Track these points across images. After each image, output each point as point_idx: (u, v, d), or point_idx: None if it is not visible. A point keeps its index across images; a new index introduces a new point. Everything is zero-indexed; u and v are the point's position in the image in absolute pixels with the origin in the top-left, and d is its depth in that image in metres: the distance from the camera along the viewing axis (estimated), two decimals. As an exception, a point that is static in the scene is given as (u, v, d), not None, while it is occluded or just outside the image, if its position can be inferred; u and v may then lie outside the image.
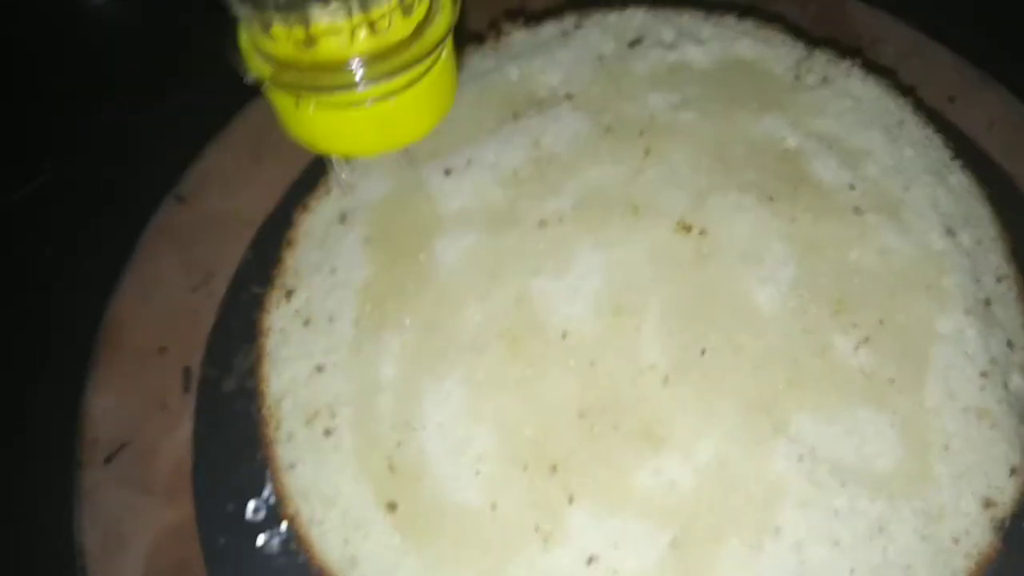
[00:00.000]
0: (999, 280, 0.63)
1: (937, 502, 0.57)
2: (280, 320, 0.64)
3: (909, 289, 0.61)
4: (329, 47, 0.50)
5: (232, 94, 0.83)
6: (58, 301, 0.82)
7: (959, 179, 0.66)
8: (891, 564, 0.55)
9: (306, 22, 0.49)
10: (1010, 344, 0.61)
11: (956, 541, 0.56)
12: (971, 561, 0.56)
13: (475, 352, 0.60)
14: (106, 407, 0.75)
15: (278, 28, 0.50)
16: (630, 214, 0.63)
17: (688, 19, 0.72)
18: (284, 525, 0.68)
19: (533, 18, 0.74)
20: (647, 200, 0.63)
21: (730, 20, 0.72)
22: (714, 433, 0.57)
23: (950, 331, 0.60)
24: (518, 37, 0.73)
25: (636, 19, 0.72)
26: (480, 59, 0.72)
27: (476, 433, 0.59)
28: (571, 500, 0.56)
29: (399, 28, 0.51)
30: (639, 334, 0.60)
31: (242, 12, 0.51)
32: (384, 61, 0.51)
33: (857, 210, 0.63)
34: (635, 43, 0.70)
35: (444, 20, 0.52)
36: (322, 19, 0.48)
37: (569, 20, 0.73)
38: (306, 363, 0.63)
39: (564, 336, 0.60)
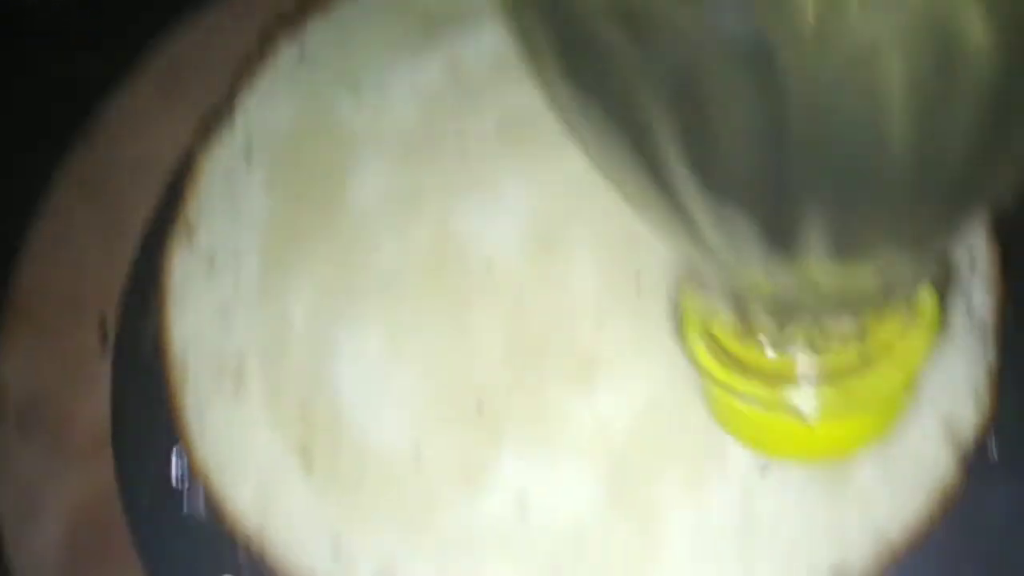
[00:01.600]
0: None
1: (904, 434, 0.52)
2: (183, 263, 0.60)
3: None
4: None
5: (138, 26, 0.78)
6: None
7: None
8: (848, 497, 0.51)
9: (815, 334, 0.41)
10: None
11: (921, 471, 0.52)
12: (932, 494, 0.52)
13: (394, 289, 0.56)
14: (19, 369, 0.71)
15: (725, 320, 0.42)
16: (558, 136, 0.57)
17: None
18: (207, 485, 0.64)
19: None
20: (576, 120, 0.58)
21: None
22: (652, 370, 0.54)
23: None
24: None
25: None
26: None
27: (396, 376, 0.55)
28: (499, 443, 0.52)
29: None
30: (570, 265, 0.56)
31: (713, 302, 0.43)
32: (835, 387, 0.44)
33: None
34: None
35: (920, 343, 0.44)
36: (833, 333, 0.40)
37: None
38: (211, 309, 0.58)
39: (489, 269, 0.56)
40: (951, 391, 0.54)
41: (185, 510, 0.63)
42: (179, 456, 0.65)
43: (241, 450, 0.55)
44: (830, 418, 0.46)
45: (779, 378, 0.44)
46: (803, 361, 0.43)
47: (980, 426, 0.54)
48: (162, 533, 0.63)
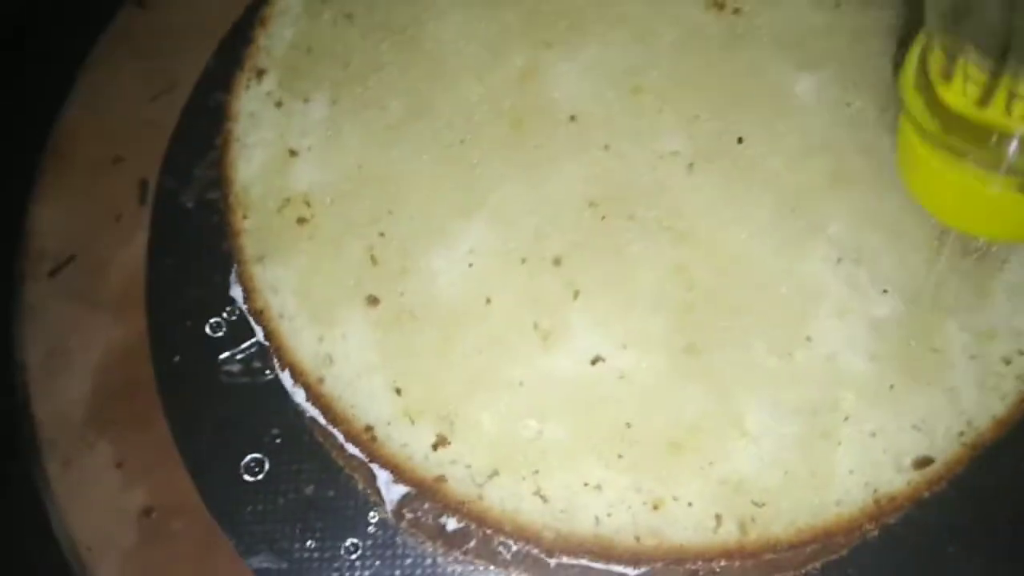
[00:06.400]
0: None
1: (988, 319, 0.50)
2: (250, 103, 0.57)
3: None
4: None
5: None
6: (6, 107, 0.74)
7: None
8: (933, 383, 0.49)
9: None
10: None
11: (1007, 362, 0.50)
12: (1022, 384, 0.49)
13: (472, 135, 0.54)
14: (53, 218, 0.69)
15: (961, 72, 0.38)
16: (650, -8, 0.55)
17: None
18: (247, 344, 0.62)
19: None
20: (675, -27, 0.56)
21: None
22: (743, 227, 0.51)
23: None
24: None
25: None
26: None
27: (470, 223, 0.52)
28: (576, 296, 0.50)
29: None
30: (660, 117, 0.53)
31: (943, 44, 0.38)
32: None
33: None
34: None
35: None
36: None
37: None
38: (278, 148, 0.56)
39: (574, 118, 0.53)
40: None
41: (222, 363, 0.61)
42: (222, 314, 0.62)
43: (303, 289, 0.52)
44: None
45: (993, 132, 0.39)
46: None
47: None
48: (191, 392, 0.61)
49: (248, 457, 0.60)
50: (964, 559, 0.56)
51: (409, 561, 0.56)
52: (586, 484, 0.47)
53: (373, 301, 0.51)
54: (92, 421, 0.63)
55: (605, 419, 0.48)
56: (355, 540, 0.57)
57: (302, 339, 0.51)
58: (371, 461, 0.49)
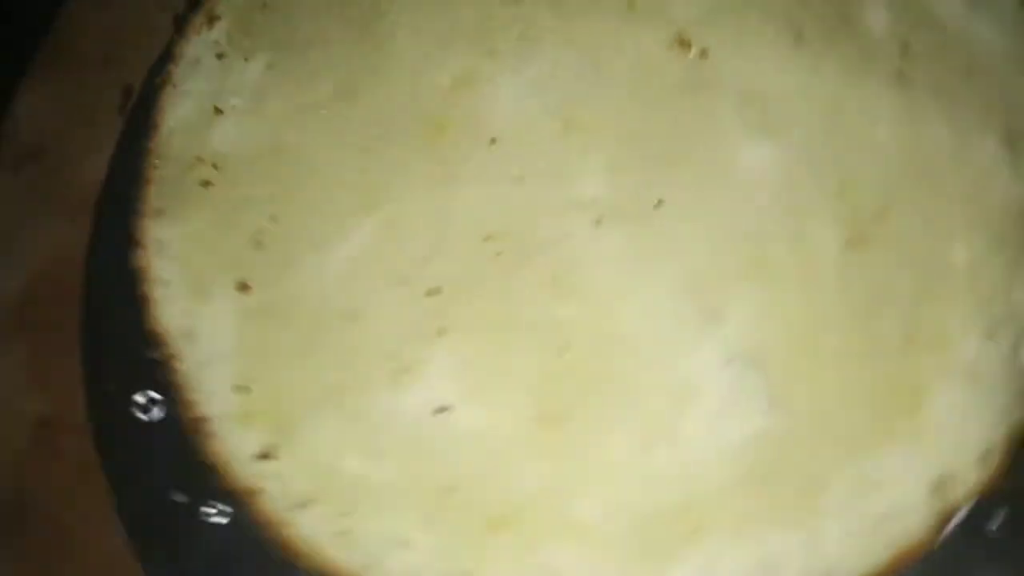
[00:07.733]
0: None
1: (879, 467, 0.44)
2: (195, 48, 0.54)
3: (935, 195, 0.48)
4: None
5: None
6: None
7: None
8: (794, 524, 0.44)
9: None
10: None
11: (883, 518, 0.44)
12: (890, 546, 0.44)
13: (389, 132, 0.50)
14: (34, 109, 0.67)
15: None
16: (624, 8, 0.50)
17: None
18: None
19: None
20: (649, -5, 0.50)
21: None
22: (636, 299, 0.46)
23: (965, 262, 0.47)
24: None
25: None
26: None
27: (362, 228, 0.49)
28: (441, 333, 0.46)
29: None
30: (583, 159, 0.49)
31: None
32: None
33: (902, 78, 0.49)
34: None
35: None
36: None
37: None
38: (207, 102, 0.53)
39: (494, 141, 0.49)
40: (956, 442, 0.45)
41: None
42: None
43: (184, 255, 0.50)
44: None
45: None
46: None
47: (975, 491, 0.45)
48: (110, 313, 0.59)
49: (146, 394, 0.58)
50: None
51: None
52: (395, 539, 0.44)
53: (244, 288, 0.49)
54: (16, 317, 0.63)
55: (434, 475, 0.45)
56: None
57: (171, 306, 0.50)
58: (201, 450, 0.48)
